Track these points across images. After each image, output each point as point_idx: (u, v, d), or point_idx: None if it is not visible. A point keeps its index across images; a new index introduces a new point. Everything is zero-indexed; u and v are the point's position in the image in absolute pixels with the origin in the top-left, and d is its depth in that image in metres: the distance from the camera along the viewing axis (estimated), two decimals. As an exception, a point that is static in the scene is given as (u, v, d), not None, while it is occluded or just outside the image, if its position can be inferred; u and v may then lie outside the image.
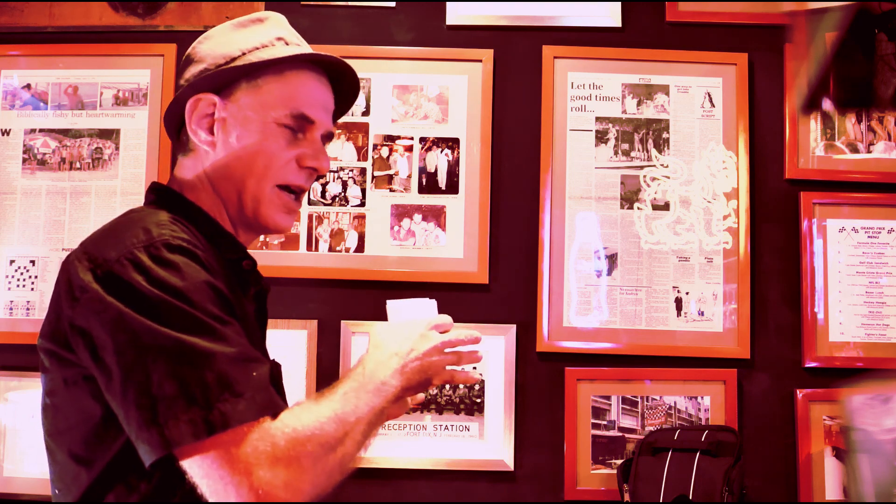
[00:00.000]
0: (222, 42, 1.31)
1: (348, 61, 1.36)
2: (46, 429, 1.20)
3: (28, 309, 2.47)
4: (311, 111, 1.31)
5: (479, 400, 2.43)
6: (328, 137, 1.35)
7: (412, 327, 1.31)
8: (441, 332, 1.33)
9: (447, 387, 2.39)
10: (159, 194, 1.31)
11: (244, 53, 1.30)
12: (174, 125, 1.35)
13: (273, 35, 1.32)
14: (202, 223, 1.27)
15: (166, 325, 1.06)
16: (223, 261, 1.26)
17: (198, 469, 1.05)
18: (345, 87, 1.38)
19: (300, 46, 1.34)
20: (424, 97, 2.54)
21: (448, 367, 1.32)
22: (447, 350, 1.31)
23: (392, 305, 1.40)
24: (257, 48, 1.30)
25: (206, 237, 1.25)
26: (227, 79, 1.28)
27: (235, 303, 1.19)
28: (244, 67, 1.28)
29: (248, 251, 1.36)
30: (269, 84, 1.28)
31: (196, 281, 1.11)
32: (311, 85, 1.32)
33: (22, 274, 2.49)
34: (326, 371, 2.42)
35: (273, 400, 1.09)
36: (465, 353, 1.35)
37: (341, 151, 2.53)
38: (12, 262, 2.50)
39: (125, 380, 1.06)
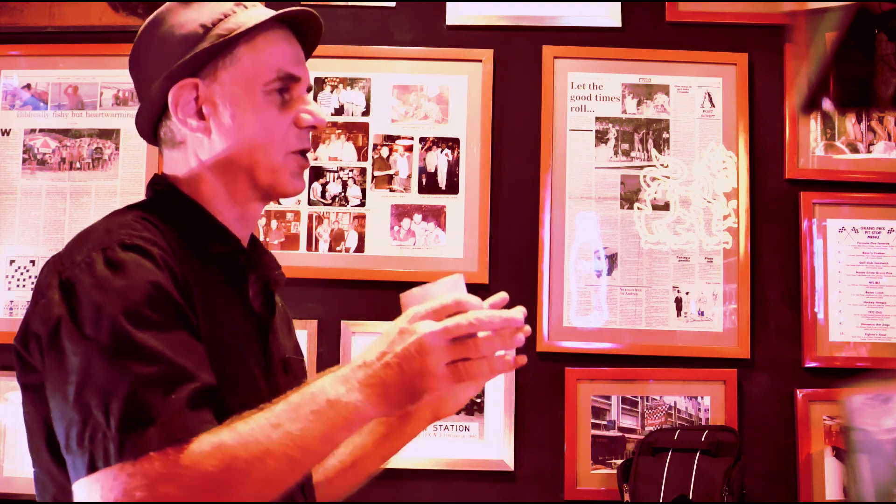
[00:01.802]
0: (179, 22, 1.23)
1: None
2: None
3: (28, 309, 2.47)
4: (294, 68, 1.24)
5: (479, 400, 2.43)
6: (309, 90, 1.30)
7: (394, 324, 1.06)
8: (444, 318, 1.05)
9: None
10: (156, 190, 1.26)
11: (209, 29, 1.22)
12: (149, 122, 1.27)
13: (230, 1, 1.26)
14: (192, 218, 1.22)
15: (94, 336, 1.01)
16: (210, 256, 1.19)
17: (83, 496, 0.98)
18: (307, 34, 1.32)
19: (258, 6, 1.28)
20: (424, 97, 2.54)
21: (455, 362, 1.04)
22: (454, 339, 1.04)
23: (405, 298, 1.11)
24: (221, 20, 1.22)
25: (188, 232, 1.19)
26: (203, 59, 1.21)
27: (201, 302, 1.11)
28: (220, 44, 1.20)
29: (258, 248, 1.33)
30: (246, 54, 1.22)
31: (139, 281, 1.04)
32: (284, 43, 1.25)
33: (22, 274, 2.49)
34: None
35: (187, 425, 0.98)
36: (490, 339, 1.05)
37: (341, 151, 2.53)
38: (12, 262, 2.50)
39: (52, 398, 1.04)
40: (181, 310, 1.07)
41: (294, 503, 1.19)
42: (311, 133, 1.27)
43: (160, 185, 1.26)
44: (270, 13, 1.24)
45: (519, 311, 1.10)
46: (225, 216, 1.24)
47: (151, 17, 1.25)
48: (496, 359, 1.06)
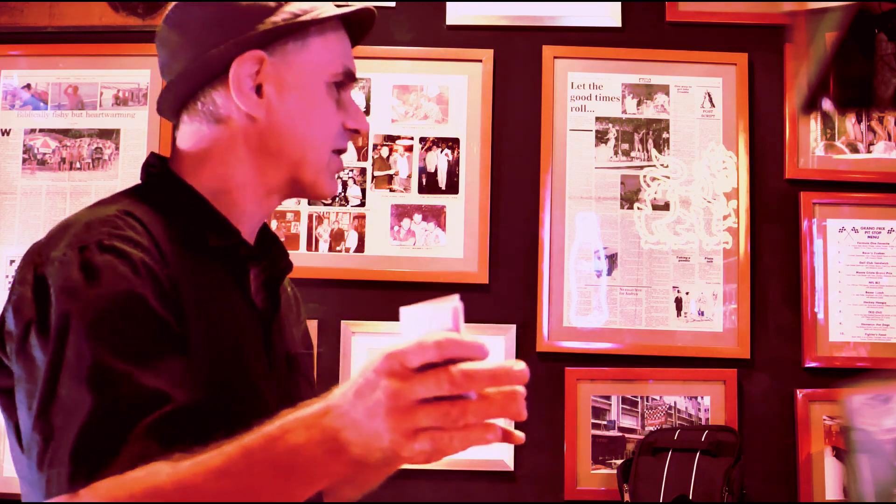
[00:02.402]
0: None
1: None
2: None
3: (28, 309, 2.47)
4: (354, 67, 1.19)
5: (479, 400, 2.43)
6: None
7: (366, 366, 0.82)
8: (422, 365, 0.78)
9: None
10: (151, 172, 1.19)
11: (280, 4, 1.13)
12: (186, 92, 1.18)
13: None
14: (189, 207, 1.13)
15: (60, 349, 0.95)
16: (208, 249, 1.12)
17: None
18: (353, 35, 1.26)
19: None
20: (424, 97, 2.54)
21: (430, 431, 0.78)
22: (427, 399, 0.78)
23: (405, 315, 0.83)
24: None
25: (186, 224, 1.11)
26: (276, 35, 1.13)
27: (193, 303, 1.04)
28: (297, 24, 1.12)
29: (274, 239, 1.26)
30: (315, 42, 1.15)
31: (113, 291, 0.97)
32: (346, 40, 1.20)
33: (22, 274, 2.49)
34: (326, 371, 2.42)
35: (146, 454, 0.90)
36: (477, 405, 0.78)
37: (341, 151, 2.53)
38: (12, 262, 2.50)
39: (19, 407, 1.00)
40: (159, 321, 0.99)
41: None
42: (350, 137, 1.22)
43: (155, 168, 1.18)
44: (334, 7, 1.18)
45: (516, 363, 0.80)
46: (242, 206, 1.17)
47: None
48: (476, 429, 0.79)
